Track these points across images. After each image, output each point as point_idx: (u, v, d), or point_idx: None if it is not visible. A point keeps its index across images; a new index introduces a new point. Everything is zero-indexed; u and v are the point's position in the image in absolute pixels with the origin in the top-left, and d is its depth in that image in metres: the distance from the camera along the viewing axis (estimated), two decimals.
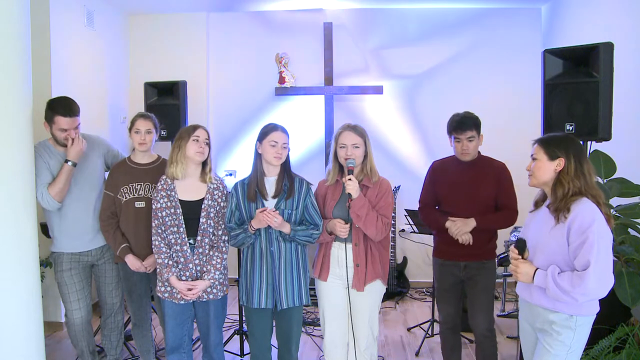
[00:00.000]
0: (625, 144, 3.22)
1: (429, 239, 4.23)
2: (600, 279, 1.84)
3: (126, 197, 2.80)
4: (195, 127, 2.59)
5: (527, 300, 2.11)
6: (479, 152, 2.80)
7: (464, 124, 2.68)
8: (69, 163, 2.76)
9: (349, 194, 2.41)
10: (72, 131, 2.72)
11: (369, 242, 2.53)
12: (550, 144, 2.04)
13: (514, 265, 2.09)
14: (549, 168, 2.02)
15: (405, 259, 5.07)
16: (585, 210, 1.91)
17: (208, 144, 2.60)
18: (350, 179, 2.40)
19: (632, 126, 3.31)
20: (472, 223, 2.69)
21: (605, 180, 2.84)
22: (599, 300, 1.99)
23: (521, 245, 2.11)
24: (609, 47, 2.65)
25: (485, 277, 2.75)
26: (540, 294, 2.02)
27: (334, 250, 2.57)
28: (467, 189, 2.74)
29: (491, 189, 2.73)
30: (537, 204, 2.17)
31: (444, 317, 2.92)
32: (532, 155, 2.10)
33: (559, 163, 2.00)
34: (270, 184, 2.51)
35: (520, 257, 2.10)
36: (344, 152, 2.50)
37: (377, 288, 2.58)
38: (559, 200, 1.98)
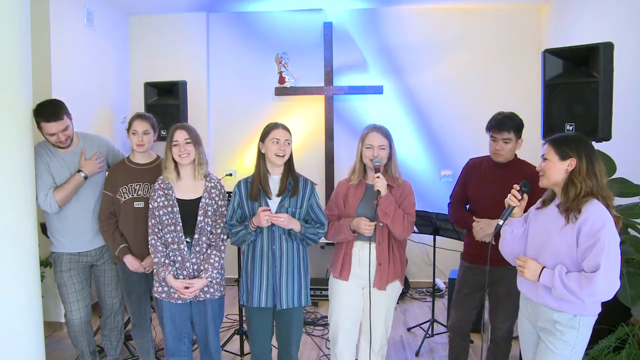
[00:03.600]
0: (625, 144, 3.21)
1: (429, 239, 4.23)
2: (608, 281, 1.84)
3: (125, 197, 2.79)
4: (175, 129, 2.56)
5: (532, 298, 2.10)
6: (515, 155, 2.74)
7: (503, 124, 2.63)
8: (82, 174, 2.76)
9: (377, 191, 2.42)
10: (60, 134, 2.69)
11: (391, 241, 2.55)
12: (561, 143, 2.02)
13: (521, 260, 2.08)
14: (560, 168, 2.00)
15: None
16: (596, 213, 1.90)
17: (190, 143, 2.54)
18: (378, 177, 2.42)
19: (632, 126, 3.30)
20: (494, 225, 2.62)
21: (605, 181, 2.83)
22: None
23: (526, 185, 2.14)
24: (609, 47, 2.64)
25: (511, 281, 2.55)
26: (545, 293, 2.02)
27: (355, 250, 2.57)
28: (495, 190, 2.66)
29: None
30: (545, 203, 2.15)
31: (453, 323, 2.87)
32: (542, 155, 2.08)
33: (571, 163, 1.98)
34: (275, 182, 2.52)
35: (519, 193, 2.14)
36: (370, 153, 2.52)
37: (396, 287, 2.60)
38: (570, 200, 1.96)
